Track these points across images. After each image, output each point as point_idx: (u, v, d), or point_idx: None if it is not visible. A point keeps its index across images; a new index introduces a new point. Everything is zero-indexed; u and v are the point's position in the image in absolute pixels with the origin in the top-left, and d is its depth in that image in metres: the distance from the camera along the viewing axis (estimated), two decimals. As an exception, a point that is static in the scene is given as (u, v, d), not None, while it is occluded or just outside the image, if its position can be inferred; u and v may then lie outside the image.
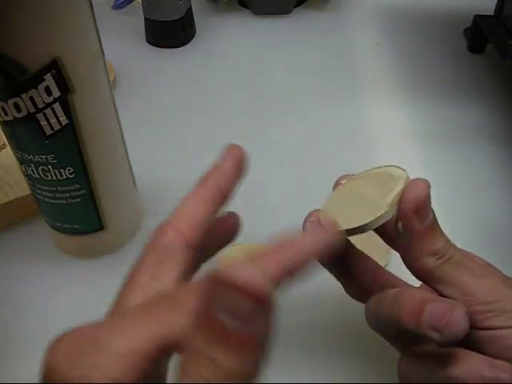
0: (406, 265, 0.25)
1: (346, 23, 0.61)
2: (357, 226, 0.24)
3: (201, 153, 0.46)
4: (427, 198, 0.23)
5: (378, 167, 0.26)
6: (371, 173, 0.26)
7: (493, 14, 0.53)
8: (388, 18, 0.61)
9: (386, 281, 0.27)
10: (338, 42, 0.58)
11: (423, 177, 0.39)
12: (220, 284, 0.15)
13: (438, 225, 0.24)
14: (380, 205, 0.24)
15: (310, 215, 0.27)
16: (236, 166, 0.24)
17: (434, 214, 0.24)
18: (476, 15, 0.54)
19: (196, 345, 0.16)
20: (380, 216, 0.23)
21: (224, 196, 0.24)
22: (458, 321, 0.21)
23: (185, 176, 0.44)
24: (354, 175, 0.27)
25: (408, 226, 0.24)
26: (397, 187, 0.24)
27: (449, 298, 0.23)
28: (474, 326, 0.23)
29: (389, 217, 0.24)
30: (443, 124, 0.48)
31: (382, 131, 0.48)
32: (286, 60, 0.56)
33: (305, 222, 0.26)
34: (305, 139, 0.47)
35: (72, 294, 0.36)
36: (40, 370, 0.18)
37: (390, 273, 0.28)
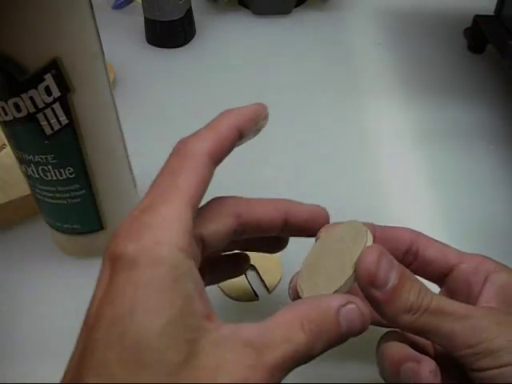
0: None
1: (346, 23, 0.61)
2: (327, 293, 0.24)
3: (201, 153, 0.46)
4: (380, 268, 0.22)
5: (348, 222, 0.26)
6: (344, 226, 0.26)
7: (493, 13, 0.53)
8: (388, 18, 0.61)
9: None
10: (338, 42, 0.58)
11: (424, 177, 0.39)
12: (352, 303, 0.22)
13: (408, 276, 0.23)
14: (346, 269, 0.23)
15: (291, 281, 0.27)
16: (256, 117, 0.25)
17: (400, 270, 0.23)
18: (476, 15, 0.54)
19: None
20: (345, 283, 0.23)
21: (240, 137, 0.24)
22: (424, 379, 0.23)
23: (185, 176, 0.44)
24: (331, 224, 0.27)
25: (369, 296, 0.23)
26: (358, 250, 0.23)
27: (438, 344, 0.24)
28: (468, 369, 0.23)
29: (353, 281, 0.23)
30: (443, 124, 0.48)
31: (382, 131, 0.48)
32: (286, 60, 0.56)
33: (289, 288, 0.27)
34: (304, 139, 0.47)
35: (72, 293, 0.36)
36: (102, 265, 0.19)
37: None
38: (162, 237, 0.19)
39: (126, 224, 0.20)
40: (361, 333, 0.22)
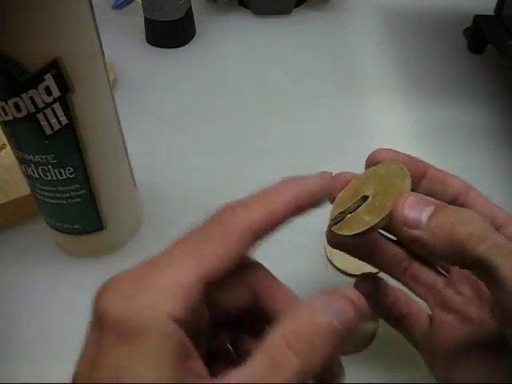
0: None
1: (346, 23, 0.61)
2: (364, 229, 0.23)
3: (201, 153, 0.46)
4: (410, 206, 0.22)
5: (380, 164, 0.26)
6: (374, 170, 0.26)
7: (493, 13, 0.53)
8: (388, 17, 0.61)
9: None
10: (338, 42, 0.58)
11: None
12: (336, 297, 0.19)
13: (451, 209, 0.23)
14: (383, 207, 0.23)
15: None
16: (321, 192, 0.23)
17: (439, 205, 0.23)
18: (476, 15, 0.54)
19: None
20: (382, 218, 0.23)
21: (297, 212, 0.22)
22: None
23: (185, 176, 0.44)
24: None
25: (409, 238, 0.22)
26: (396, 187, 0.24)
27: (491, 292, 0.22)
28: None
29: (381, 225, 0.23)
30: (443, 124, 0.48)
31: (382, 131, 0.48)
32: (286, 60, 0.56)
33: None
34: (305, 139, 0.47)
35: (72, 293, 0.36)
36: (91, 318, 0.18)
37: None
38: (153, 301, 0.18)
39: (127, 276, 0.19)
40: (359, 323, 0.19)
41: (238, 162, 0.45)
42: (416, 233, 0.22)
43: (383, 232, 0.28)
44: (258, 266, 0.23)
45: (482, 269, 0.21)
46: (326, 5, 0.63)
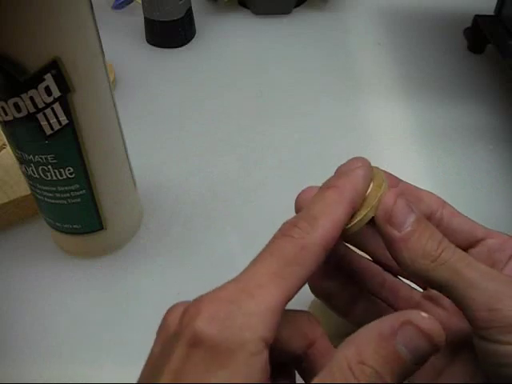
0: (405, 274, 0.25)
1: (346, 23, 0.61)
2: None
3: (201, 153, 0.46)
4: (399, 207, 0.22)
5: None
6: None
7: (493, 13, 0.53)
8: (388, 18, 0.61)
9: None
10: (338, 42, 0.58)
11: (424, 177, 0.40)
12: (407, 323, 0.18)
13: (428, 224, 0.23)
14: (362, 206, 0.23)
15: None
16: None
17: (420, 215, 0.23)
18: (476, 15, 0.54)
19: (366, 357, 0.18)
20: (355, 223, 0.23)
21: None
22: None
23: (185, 176, 0.44)
24: None
25: (386, 235, 0.23)
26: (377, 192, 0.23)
27: (453, 302, 0.22)
28: (479, 336, 0.21)
29: (364, 222, 0.23)
30: (443, 124, 0.48)
31: (382, 131, 0.48)
32: (286, 60, 0.56)
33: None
34: (305, 139, 0.47)
35: (72, 293, 0.36)
36: (183, 339, 0.19)
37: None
38: (248, 325, 0.18)
39: (221, 298, 0.19)
40: (436, 352, 0.18)
41: (238, 162, 0.45)
42: (396, 234, 0.22)
43: (357, 250, 0.28)
44: (311, 316, 0.23)
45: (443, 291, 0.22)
46: (326, 5, 0.63)
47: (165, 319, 0.21)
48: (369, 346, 0.18)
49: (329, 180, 0.23)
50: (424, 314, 0.18)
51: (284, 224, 0.21)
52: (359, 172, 0.23)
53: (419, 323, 0.18)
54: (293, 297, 0.20)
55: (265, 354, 0.18)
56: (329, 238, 0.21)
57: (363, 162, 0.24)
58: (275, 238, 0.21)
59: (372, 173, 0.24)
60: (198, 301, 0.19)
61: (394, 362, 0.18)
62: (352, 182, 0.22)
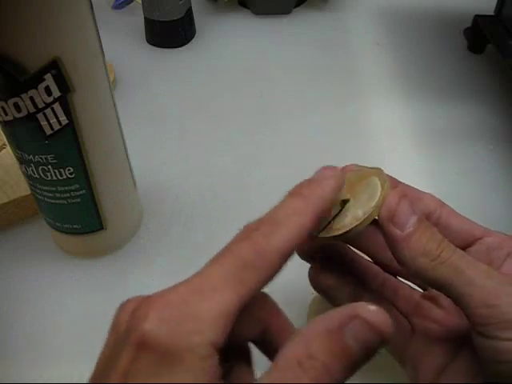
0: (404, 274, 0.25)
1: (346, 23, 0.61)
2: (344, 231, 0.24)
3: (201, 153, 0.46)
4: (402, 207, 0.23)
5: (364, 168, 0.27)
6: (359, 173, 0.26)
7: (493, 13, 0.53)
8: (388, 18, 0.61)
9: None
10: (338, 42, 0.58)
11: (424, 177, 0.39)
12: (354, 317, 0.18)
13: (429, 225, 0.24)
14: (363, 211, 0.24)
15: None
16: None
17: (421, 217, 0.24)
18: (476, 15, 0.54)
19: (315, 351, 0.18)
20: (361, 222, 0.24)
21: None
22: None
23: (185, 176, 0.44)
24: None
25: (388, 234, 0.23)
26: (377, 193, 0.24)
27: (453, 300, 0.23)
28: (477, 332, 0.22)
29: (368, 222, 0.24)
30: (443, 124, 0.48)
31: (382, 131, 0.48)
32: (286, 60, 0.56)
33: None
34: (304, 139, 0.47)
35: (72, 293, 0.36)
36: (132, 341, 0.18)
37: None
38: (198, 329, 0.18)
39: (171, 300, 0.19)
40: (385, 344, 0.18)
41: (238, 162, 0.45)
42: (398, 233, 0.23)
43: (358, 252, 0.29)
44: (267, 298, 0.23)
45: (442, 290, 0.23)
46: (326, 5, 0.63)
47: (116, 317, 0.20)
48: (317, 340, 0.18)
49: (298, 186, 0.23)
50: (371, 307, 0.18)
51: (246, 226, 0.21)
52: (329, 182, 0.23)
53: (366, 316, 0.18)
54: (248, 301, 0.19)
55: (214, 358, 0.18)
56: (290, 244, 0.20)
57: (334, 170, 0.24)
58: (235, 239, 0.20)
59: (343, 182, 0.24)
60: (149, 300, 0.19)
61: (343, 355, 0.18)
62: (321, 190, 0.22)
